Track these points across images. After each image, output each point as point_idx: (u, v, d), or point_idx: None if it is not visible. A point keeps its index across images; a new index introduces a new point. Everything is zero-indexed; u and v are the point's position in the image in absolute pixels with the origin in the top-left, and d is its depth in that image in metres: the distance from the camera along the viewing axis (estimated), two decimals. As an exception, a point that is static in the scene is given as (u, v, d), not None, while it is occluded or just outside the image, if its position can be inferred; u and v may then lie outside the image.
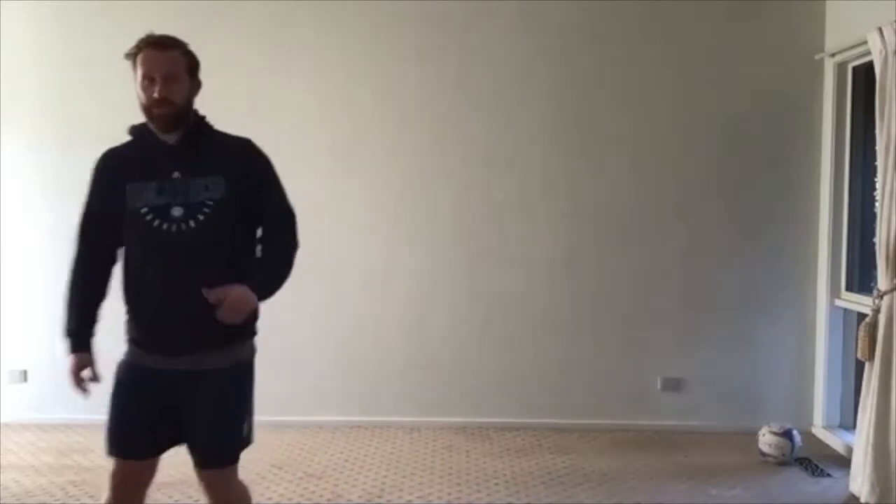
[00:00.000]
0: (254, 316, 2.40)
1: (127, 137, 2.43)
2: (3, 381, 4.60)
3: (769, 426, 4.08)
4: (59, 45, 4.54)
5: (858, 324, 3.78)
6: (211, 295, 2.21)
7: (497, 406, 4.49)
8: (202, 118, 2.40)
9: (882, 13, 3.65)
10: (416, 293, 4.50)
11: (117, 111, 4.49)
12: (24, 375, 4.61)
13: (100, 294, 2.50)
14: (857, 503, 3.54)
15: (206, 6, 4.48)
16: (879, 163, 3.63)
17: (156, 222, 2.27)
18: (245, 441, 2.42)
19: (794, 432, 4.06)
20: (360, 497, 3.58)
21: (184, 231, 2.26)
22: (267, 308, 4.75)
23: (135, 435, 2.40)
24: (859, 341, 3.62)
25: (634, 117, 4.48)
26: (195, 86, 2.37)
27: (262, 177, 2.39)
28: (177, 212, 2.27)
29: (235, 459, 2.41)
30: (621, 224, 4.51)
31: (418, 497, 3.58)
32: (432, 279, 4.44)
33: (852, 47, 4.04)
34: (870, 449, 3.47)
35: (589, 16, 4.46)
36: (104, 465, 3.91)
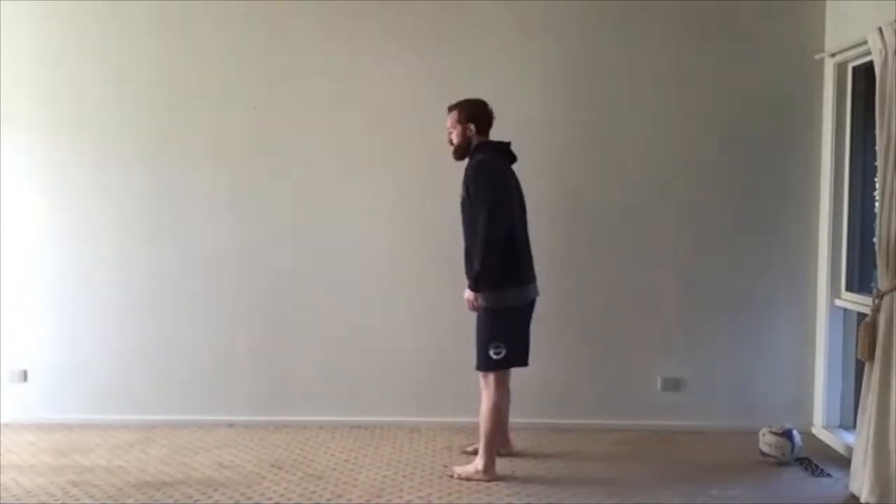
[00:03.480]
0: (494, 275, 3.63)
1: None
2: (3, 381, 4.60)
3: (769, 426, 4.08)
4: (59, 45, 4.54)
5: (858, 324, 3.78)
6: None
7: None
8: (478, 146, 3.75)
9: (882, 13, 3.65)
10: (418, 293, 4.50)
11: (117, 111, 4.55)
12: (24, 375, 4.61)
13: None
14: (857, 503, 3.54)
15: (201, 5, 4.49)
16: (879, 163, 3.62)
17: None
18: (489, 359, 3.69)
19: (794, 432, 4.06)
20: (360, 497, 3.58)
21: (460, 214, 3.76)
22: (267, 307, 4.75)
23: None
24: (859, 341, 3.61)
25: (634, 117, 4.48)
26: (469, 129, 3.75)
27: (470, 184, 3.66)
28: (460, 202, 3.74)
29: (483, 368, 3.73)
30: (621, 224, 4.51)
31: (418, 497, 3.58)
32: (434, 279, 4.43)
33: (852, 47, 4.04)
34: (870, 449, 3.47)
35: (589, 16, 4.46)
36: (104, 465, 3.94)
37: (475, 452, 4.00)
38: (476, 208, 3.61)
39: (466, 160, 3.78)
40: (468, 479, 3.75)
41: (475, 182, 3.64)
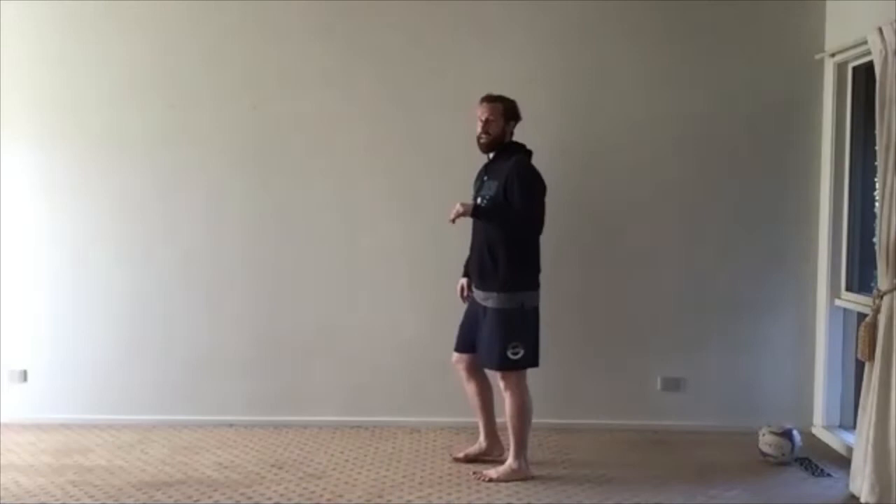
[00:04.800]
0: (515, 276, 3.71)
1: None
2: (3, 381, 4.60)
3: (769, 426, 4.08)
4: (58, 47, 4.53)
5: (858, 324, 3.78)
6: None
7: (497, 406, 4.48)
8: (512, 144, 3.81)
9: (882, 13, 3.65)
10: (419, 293, 4.49)
11: (117, 113, 4.55)
12: (24, 375, 4.61)
13: None
14: (857, 503, 3.54)
15: (200, 6, 4.49)
16: (879, 163, 3.62)
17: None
18: (507, 360, 3.71)
19: (794, 432, 4.06)
20: (360, 497, 3.58)
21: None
22: (267, 306, 4.75)
23: (462, 337, 3.94)
24: (859, 341, 3.61)
25: (633, 116, 4.47)
26: (509, 125, 3.80)
27: (513, 184, 3.67)
28: (479, 200, 3.78)
29: (498, 368, 3.77)
30: (621, 224, 4.51)
31: (418, 497, 3.58)
32: (434, 279, 4.43)
33: (852, 47, 4.04)
34: (870, 449, 3.46)
35: (589, 15, 4.46)
36: (104, 465, 3.94)
37: (465, 459, 3.99)
38: (521, 206, 3.66)
39: (488, 156, 3.85)
40: (507, 480, 3.73)
41: (527, 182, 3.69)
